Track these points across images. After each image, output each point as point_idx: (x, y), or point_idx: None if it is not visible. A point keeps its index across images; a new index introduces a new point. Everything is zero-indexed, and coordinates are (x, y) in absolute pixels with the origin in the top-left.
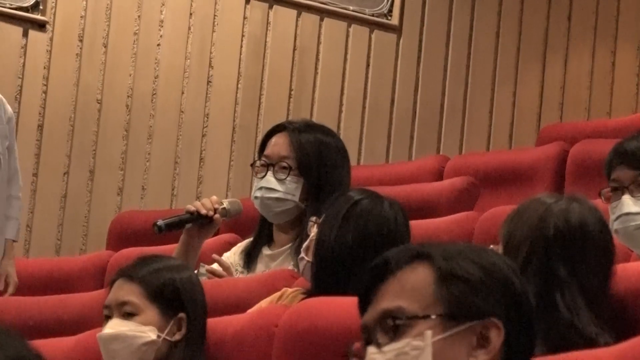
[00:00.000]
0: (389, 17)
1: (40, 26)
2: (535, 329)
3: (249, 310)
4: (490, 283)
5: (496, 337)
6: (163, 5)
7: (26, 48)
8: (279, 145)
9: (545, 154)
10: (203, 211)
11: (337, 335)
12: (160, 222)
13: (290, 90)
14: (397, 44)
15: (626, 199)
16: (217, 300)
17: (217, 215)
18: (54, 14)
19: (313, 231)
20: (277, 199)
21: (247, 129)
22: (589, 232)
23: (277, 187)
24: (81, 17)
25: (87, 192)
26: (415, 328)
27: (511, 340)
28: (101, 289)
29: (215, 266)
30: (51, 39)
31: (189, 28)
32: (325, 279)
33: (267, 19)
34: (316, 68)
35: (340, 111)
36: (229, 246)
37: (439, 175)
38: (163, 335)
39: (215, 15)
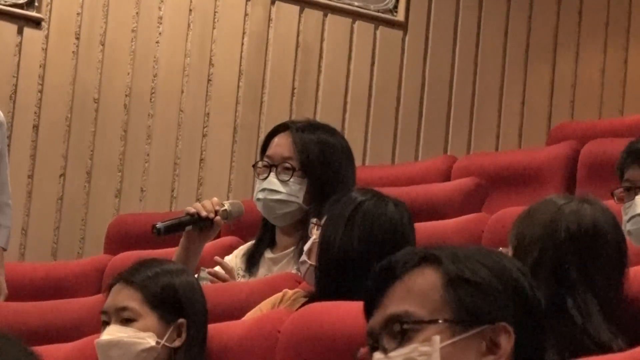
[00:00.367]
0: (395, 13)
1: (36, 23)
2: (546, 334)
3: (249, 313)
4: (500, 287)
5: (506, 342)
6: (162, 1)
7: (21, 46)
8: (282, 145)
9: (555, 154)
10: (204, 213)
11: (342, 340)
12: (159, 225)
13: (293, 88)
14: (403, 41)
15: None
16: (218, 305)
17: (218, 218)
18: (50, 11)
19: (314, 233)
20: (280, 200)
21: (248, 128)
22: (601, 234)
23: (280, 189)
24: (77, 14)
25: (84, 194)
26: (423, 333)
27: (521, 346)
28: (99, 294)
29: (217, 269)
30: (47, 37)
31: (189, 25)
32: (330, 283)
33: (269, 16)
34: (319, 66)
35: (345, 110)
36: (230, 249)
37: (447, 176)
38: (162, 342)
39: (215, 12)
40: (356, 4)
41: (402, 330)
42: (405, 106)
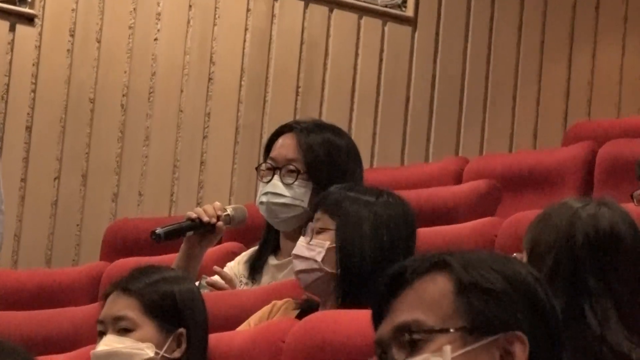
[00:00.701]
0: (403, 8)
1: (29, 20)
2: (562, 343)
3: (238, 328)
4: (514, 294)
5: (521, 352)
6: None
7: (13, 44)
8: (286, 147)
9: (572, 155)
10: (205, 218)
11: (349, 350)
12: (159, 230)
13: (298, 87)
14: (412, 37)
15: None
16: (220, 314)
17: (220, 223)
18: (43, 7)
19: (319, 239)
20: (284, 204)
21: (251, 129)
22: (620, 238)
23: (284, 192)
24: (72, 10)
25: (79, 198)
26: (434, 343)
27: (536, 355)
28: (95, 303)
29: (216, 278)
30: (40, 34)
31: (189, 21)
32: (357, 291)
33: (273, 11)
34: (325, 63)
35: (352, 110)
36: (232, 255)
37: (458, 179)
38: (161, 353)
39: (216, 7)
40: None
41: (412, 339)
42: (414, 105)
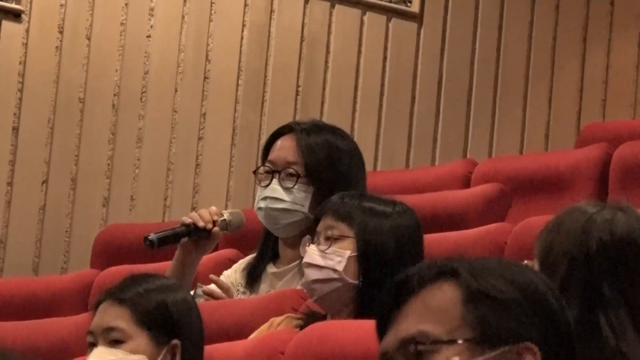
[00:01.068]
0: (409, 4)
1: (15, 16)
2: (575, 354)
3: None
4: (525, 303)
5: None
6: None
7: None
8: (285, 149)
9: (586, 157)
10: (201, 223)
11: None
12: (152, 236)
13: (298, 86)
14: (418, 34)
15: None
16: (217, 325)
17: (216, 228)
18: (31, 3)
19: (306, 251)
20: (284, 209)
21: (249, 130)
22: (637, 245)
23: (283, 197)
24: (61, 5)
25: (68, 203)
26: (441, 354)
27: None
28: (85, 313)
29: (213, 287)
30: (27, 31)
31: (183, 17)
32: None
33: (271, 7)
34: (326, 61)
35: (354, 110)
36: (229, 263)
37: (466, 182)
38: None
39: (212, 2)
40: None
41: (418, 351)
42: (420, 105)
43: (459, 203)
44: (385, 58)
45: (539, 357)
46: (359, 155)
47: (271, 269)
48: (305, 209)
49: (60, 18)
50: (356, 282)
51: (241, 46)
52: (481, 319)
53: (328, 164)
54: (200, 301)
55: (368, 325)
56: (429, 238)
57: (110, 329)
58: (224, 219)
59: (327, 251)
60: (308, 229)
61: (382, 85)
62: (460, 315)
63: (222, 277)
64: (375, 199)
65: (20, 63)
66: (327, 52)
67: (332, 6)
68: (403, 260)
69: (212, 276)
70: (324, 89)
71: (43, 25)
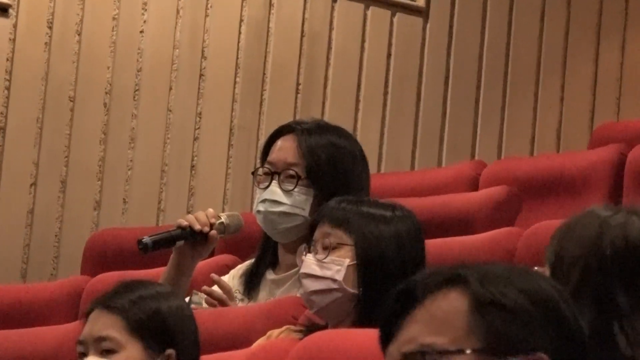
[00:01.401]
0: None
1: (2, 10)
2: None
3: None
4: (536, 311)
5: None
6: None
7: None
8: (285, 149)
9: (599, 159)
10: (197, 226)
11: None
12: (146, 239)
13: (298, 84)
14: (424, 29)
15: None
16: (213, 333)
17: (213, 232)
18: None
19: (303, 261)
20: (283, 213)
21: (247, 130)
22: None
23: (283, 200)
24: None
25: (58, 206)
26: None
27: None
28: (75, 322)
29: (214, 288)
30: (15, 26)
31: (178, 11)
32: (377, 312)
33: (270, 1)
34: (328, 58)
35: (357, 109)
36: (226, 269)
37: (474, 185)
38: None
39: None
40: None
41: None
42: (426, 104)
43: (467, 206)
44: (389, 54)
45: None
46: (362, 156)
47: (270, 275)
48: (306, 213)
49: (50, 12)
50: (356, 291)
51: (239, 42)
52: (490, 329)
53: (330, 166)
54: (196, 308)
55: (371, 335)
56: (435, 243)
57: (102, 339)
58: (222, 222)
59: (324, 260)
60: (308, 234)
61: (386, 83)
62: (468, 324)
63: (223, 279)
64: (373, 203)
65: (7, 60)
66: (329, 48)
67: (334, 0)
68: (404, 266)
69: (213, 275)
70: (325, 87)
71: (31, 20)
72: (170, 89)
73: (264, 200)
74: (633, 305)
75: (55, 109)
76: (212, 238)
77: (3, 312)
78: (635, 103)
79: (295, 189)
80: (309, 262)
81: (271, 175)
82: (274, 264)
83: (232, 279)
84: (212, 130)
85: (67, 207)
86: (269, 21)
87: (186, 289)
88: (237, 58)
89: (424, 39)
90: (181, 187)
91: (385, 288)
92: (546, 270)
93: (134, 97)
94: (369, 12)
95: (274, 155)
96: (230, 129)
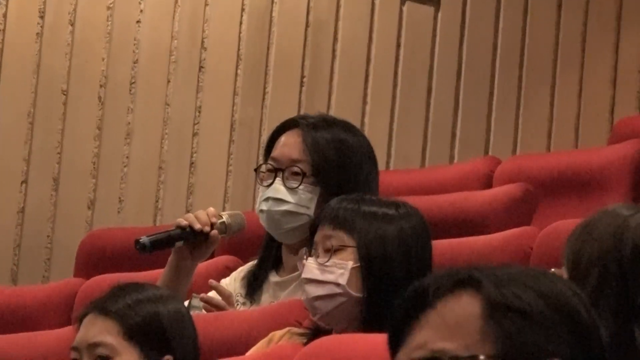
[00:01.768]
0: None
1: None
2: None
3: None
4: (553, 316)
5: None
6: None
7: None
8: (290, 145)
9: (619, 155)
10: (197, 226)
11: None
12: (144, 239)
13: (302, 77)
14: (435, 19)
15: None
16: (213, 339)
17: (214, 232)
18: None
19: (304, 266)
20: (288, 212)
21: (248, 125)
22: None
23: (287, 198)
24: None
25: (50, 205)
26: None
27: None
28: (68, 326)
29: (212, 294)
30: (5, 15)
31: (176, 0)
32: (383, 315)
33: None
34: (334, 49)
35: (365, 103)
36: (227, 271)
37: (488, 182)
38: None
39: None
40: None
41: None
42: (437, 98)
43: (480, 205)
44: (398, 45)
45: None
46: (370, 152)
47: (274, 277)
48: (311, 212)
49: (41, 1)
50: (361, 295)
51: (240, 32)
52: (504, 334)
53: (337, 163)
54: (195, 313)
55: (378, 340)
56: (447, 243)
57: (96, 345)
58: (223, 222)
59: (327, 264)
60: (311, 239)
61: (396, 75)
62: (481, 329)
63: (222, 285)
64: (376, 202)
65: None
66: (335, 38)
67: None
68: (410, 267)
69: (211, 281)
70: (331, 79)
71: (22, 9)
72: (168, 81)
73: (267, 199)
74: None
75: (47, 102)
76: (213, 238)
77: None
78: None
79: (300, 187)
80: (311, 267)
81: (275, 172)
82: (277, 266)
83: (234, 281)
84: (212, 125)
85: (59, 206)
86: (271, 10)
87: (186, 292)
88: (239, 49)
89: (435, 28)
90: (180, 185)
91: (391, 290)
92: (563, 272)
93: (130, 90)
94: (377, 1)
95: (277, 151)
96: (231, 124)
